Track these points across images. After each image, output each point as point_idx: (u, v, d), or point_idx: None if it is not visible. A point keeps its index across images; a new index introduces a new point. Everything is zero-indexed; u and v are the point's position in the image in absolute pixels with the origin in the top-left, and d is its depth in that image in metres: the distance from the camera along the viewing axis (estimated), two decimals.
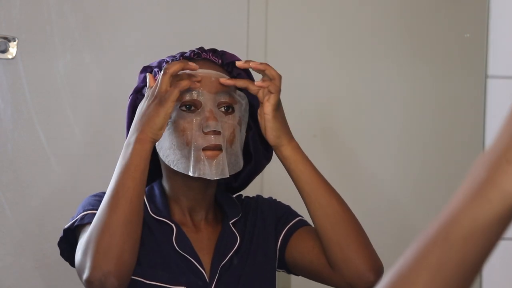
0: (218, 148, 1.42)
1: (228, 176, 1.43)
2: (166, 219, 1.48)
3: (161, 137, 1.40)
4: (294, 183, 1.48)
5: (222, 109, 1.45)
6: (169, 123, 1.44)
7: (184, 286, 1.43)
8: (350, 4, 2.19)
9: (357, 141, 2.21)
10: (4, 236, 1.99)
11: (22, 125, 1.99)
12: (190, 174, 1.41)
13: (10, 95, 1.99)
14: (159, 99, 1.39)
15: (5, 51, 1.98)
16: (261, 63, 1.46)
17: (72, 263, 1.46)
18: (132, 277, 1.41)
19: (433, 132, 2.25)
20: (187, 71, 1.43)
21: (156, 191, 1.52)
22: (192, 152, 1.41)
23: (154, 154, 1.47)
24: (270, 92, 1.44)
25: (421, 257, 0.62)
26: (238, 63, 1.47)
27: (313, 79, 2.18)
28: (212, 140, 1.41)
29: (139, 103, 1.45)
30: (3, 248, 1.99)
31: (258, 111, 1.47)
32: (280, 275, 1.61)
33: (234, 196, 1.60)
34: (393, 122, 2.23)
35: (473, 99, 2.27)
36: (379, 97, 2.22)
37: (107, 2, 2.05)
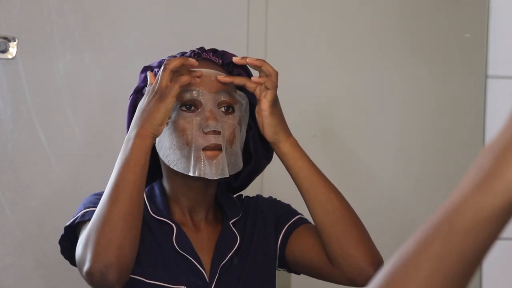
0: (218, 148, 1.42)
1: (228, 176, 1.43)
2: (166, 219, 1.48)
3: (161, 132, 1.40)
4: (293, 179, 1.48)
5: (222, 109, 1.45)
6: (169, 123, 1.44)
7: (184, 285, 1.43)
8: (350, 4, 2.19)
9: (357, 141, 2.21)
10: (4, 236, 1.99)
11: (22, 125, 1.99)
12: (190, 174, 1.41)
13: (10, 95, 1.99)
14: (159, 95, 1.39)
15: (5, 51, 1.98)
16: (257, 59, 1.46)
17: (72, 261, 1.46)
18: (133, 276, 1.41)
19: (433, 132, 2.25)
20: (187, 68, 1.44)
21: (157, 191, 1.52)
22: (192, 152, 1.41)
23: (154, 154, 1.47)
24: (267, 88, 1.45)
25: (423, 246, 0.62)
26: (234, 59, 1.48)
27: (313, 79, 2.18)
28: (212, 140, 1.41)
29: (139, 103, 1.46)
30: (3, 248, 1.99)
31: (256, 108, 1.47)
32: (280, 274, 1.61)
33: (234, 196, 1.60)
34: (393, 122, 2.23)
35: (473, 99, 2.27)
36: (379, 97, 2.22)
37: (107, 2, 2.05)
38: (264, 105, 1.45)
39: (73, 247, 1.42)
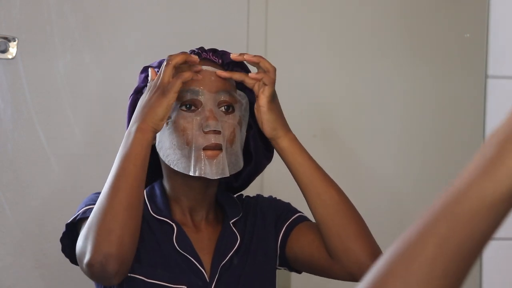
0: (218, 147, 1.42)
1: (228, 175, 1.44)
2: (166, 219, 1.48)
3: (162, 127, 1.41)
4: (292, 175, 1.49)
5: (223, 108, 1.46)
6: (169, 122, 1.44)
7: (185, 285, 1.43)
8: (350, 4, 2.19)
9: (357, 141, 2.21)
10: (4, 236, 1.99)
11: (22, 125, 1.99)
12: (191, 173, 1.42)
13: (10, 95, 1.99)
14: (161, 90, 1.40)
15: (5, 51, 1.98)
16: (254, 56, 1.46)
17: (72, 260, 1.46)
18: (133, 275, 1.41)
19: (433, 132, 2.26)
20: (189, 66, 1.44)
21: (157, 191, 1.52)
22: (193, 152, 1.42)
23: (155, 154, 1.47)
24: (265, 84, 1.45)
25: (426, 230, 0.62)
26: (232, 55, 1.48)
27: (313, 79, 2.18)
28: (213, 139, 1.42)
29: (140, 98, 1.46)
30: (3, 248, 1.99)
31: (255, 105, 1.47)
32: (280, 274, 1.61)
33: (235, 195, 1.60)
34: (393, 122, 2.23)
35: (473, 99, 2.27)
36: (379, 97, 2.22)
37: (107, 2, 2.05)
38: (262, 101, 1.46)
39: (73, 245, 1.41)
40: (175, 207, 1.51)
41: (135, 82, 1.53)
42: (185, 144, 1.43)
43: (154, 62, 1.52)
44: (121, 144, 1.40)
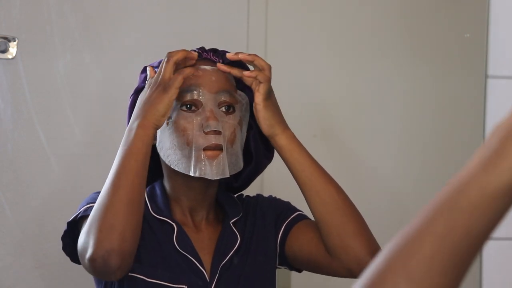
0: (218, 148, 1.42)
1: (229, 176, 1.44)
2: (167, 219, 1.48)
3: (163, 123, 1.41)
4: (290, 172, 1.49)
5: (223, 108, 1.46)
6: (169, 123, 1.44)
7: (185, 285, 1.43)
8: (350, 4, 2.19)
9: (357, 141, 2.21)
10: (4, 236, 1.99)
11: (22, 125, 1.99)
12: (191, 174, 1.42)
13: (10, 95, 1.99)
14: (163, 86, 1.40)
15: (5, 51, 1.98)
16: (249, 54, 1.47)
17: (73, 258, 1.46)
18: (134, 274, 1.41)
19: (433, 132, 2.26)
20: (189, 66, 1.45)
21: (157, 191, 1.52)
22: (193, 152, 1.42)
23: (155, 155, 1.47)
24: (260, 82, 1.45)
25: (427, 223, 0.62)
26: (228, 55, 1.48)
27: (313, 79, 2.18)
28: (213, 140, 1.42)
29: (140, 95, 1.46)
30: (3, 248, 1.99)
31: (253, 103, 1.48)
32: (280, 274, 1.61)
33: (235, 195, 1.60)
34: (393, 122, 2.23)
35: (473, 99, 2.27)
36: (379, 97, 2.22)
37: (107, 2, 2.05)
38: (258, 98, 1.46)
39: (74, 244, 1.41)
40: (176, 207, 1.51)
41: (135, 82, 1.53)
42: (185, 144, 1.43)
43: (154, 62, 1.52)
44: (122, 141, 1.39)
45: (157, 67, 1.49)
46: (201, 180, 1.45)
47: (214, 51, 1.51)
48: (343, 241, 1.44)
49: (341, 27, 2.19)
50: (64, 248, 1.48)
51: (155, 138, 1.45)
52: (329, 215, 1.45)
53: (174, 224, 1.47)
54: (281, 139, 1.48)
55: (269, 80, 1.46)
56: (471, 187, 0.61)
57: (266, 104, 1.46)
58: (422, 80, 2.24)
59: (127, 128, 1.41)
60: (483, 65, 2.27)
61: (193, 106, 1.44)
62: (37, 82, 2.00)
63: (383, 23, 2.22)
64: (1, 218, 1.98)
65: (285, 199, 1.60)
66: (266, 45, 2.12)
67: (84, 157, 2.02)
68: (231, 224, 1.52)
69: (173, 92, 1.39)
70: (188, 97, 1.44)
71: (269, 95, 1.47)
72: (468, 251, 0.62)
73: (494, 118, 2.26)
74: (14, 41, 1.99)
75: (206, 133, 1.42)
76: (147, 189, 1.52)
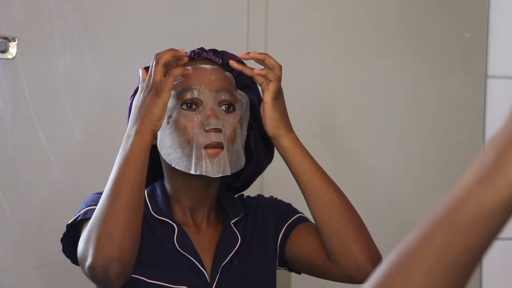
0: (219, 146, 1.42)
1: (230, 173, 1.43)
2: (167, 219, 1.48)
3: (160, 127, 1.41)
4: (292, 174, 1.49)
5: (223, 107, 1.46)
6: (170, 121, 1.44)
7: (185, 285, 1.43)
8: (350, 4, 2.20)
9: (357, 141, 2.21)
10: (4, 236, 1.99)
11: (22, 125, 1.99)
12: (192, 172, 1.42)
13: (10, 95, 1.99)
14: (155, 90, 1.40)
15: (5, 51, 1.98)
16: (260, 53, 1.47)
17: (73, 260, 1.46)
18: (134, 275, 1.41)
19: (433, 132, 2.26)
20: (181, 67, 1.44)
21: (158, 191, 1.52)
22: (194, 150, 1.42)
23: (156, 155, 1.47)
24: (270, 81, 1.45)
25: (425, 239, 0.62)
26: (240, 54, 1.48)
27: (313, 79, 2.18)
28: (214, 138, 1.42)
29: (134, 100, 1.46)
30: (3, 248, 1.98)
31: (262, 102, 1.47)
32: (280, 274, 1.61)
33: (235, 196, 1.60)
34: (393, 122, 2.23)
35: (473, 99, 2.27)
36: (379, 97, 2.22)
37: (107, 2, 2.05)
38: (267, 97, 1.45)
39: (74, 246, 1.42)
40: (176, 207, 1.51)
41: (135, 82, 1.53)
42: (186, 142, 1.43)
43: None
44: (121, 147, 1.40)
45: None
46: (201, 179, 1.45)
47: (214, 51, 1.51)
48: (342, 245, 1.44)
49: (341, 27, 2.19)
50: (64, 250, 1.48)
51: (155, 137, 1.45)
52: (329, 218, 1.45)
53: (174, 225, 1.47)
54: (284, 141, 1.47)
55: (279, 79, 1.46)
56: (469, 203, 0.61)
57: (275, 104, 1.46)
58: (422, 80, 2.24)
59: (125, 135, 1.41)
60: (483, 65, 2.27)
61: (193, 104, 1.44)
62: (37, 82, 2.00)
63: (383, 23, 2.22)
64: (1, 218, 1.98)
65: (285, 200, 1.60)
66: (266, 45, 2.12)
67: (84, 157, 2.02)
68: (232, 225, 1.51)
69: (165, 95, 1.39)
70: (188, 95, 1.44)
71: (278, 95, 1.47)
72: (467, 266, 0.62)
73: (494, 118, 2.26)
74: (14, 41, 1.99)
75: (206, 131, 1.42)
76: (148, 189, 1.52)
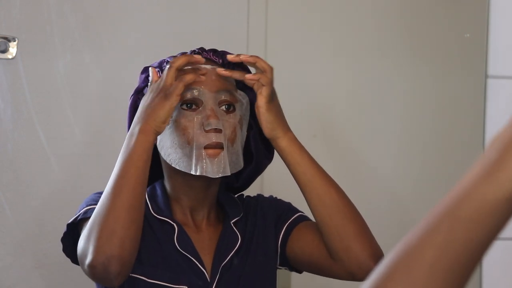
0: (219, 146, 1.42)
1: (230, 174, 1.43)
2: (167, 219, 1.48)
3: (163, 130, 1.41)
4: (292, 174, 1.49)
5: (223, 107, 1.46)
6: (170, 121, 1.44)
7: (185, 285, 1.43)
8: (350, 4, 2.19)
9: (358, 141, 2.21)
10: (4, 236, 1.98)
11: (22, 125, 1.99)
12: (192, 172, 1.42)
13: (10, 95, 1.98)
14: (164, 93, 1.40)
15: (5, 51, 1.98)
16: (251, 56, 1.46)
17: (73, 259, 1.46)
18: (134, 275, 1.41)
19: (433, 132, 2.26)
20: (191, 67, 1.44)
21: (158, 190, 1.52)
22: (194, 151, 1.42)
23: (156, 155, 1.47)
24: (262, 85, 1.45)
25: (427, 235, 0.62)
26: (229, 57, 1.48)
27: (313, 79, 2.18)
28: (214, 138, 1.42)
29: (142, 100, 1.46)
30: (3, 248, 1.98)
31: (255, 105, 1.47)
32: (280, 274, 1.61)
33: (235, 195, 1.60)
34: (393, 122, 2.23)
35: (473, 99, 2.27)
36: (379, 97, 2.22)
37: (107, 2, 2.05)
38: (261, 101, 1.45)
39: (75, 245, 1.42)
40: (176, 207, 1.51)
41: (135, 82, 1.53)
42: (186, 143, 1.43)
43: (155, 62, 1.52)
44: (123, 146, 1.40)
45: (157, 67, 1.49)
46: (201, 179, 1.45)
47: (214, 51, 1.51)
48: (344, 243, 1.44)
49: (341, 27, 2.19)
50: (64, 250, 1.48)
51: (156, 138, 1.45)
52: (330, 217, 1.45)
53: (174, 224, 1.47)
54: (282, 142, 1.47)
55: (271, 82, 1.45)
56: (472, 199, 0.61)
57: (269, 107, 1.46)
58: (422, 80, 2.24)
59: (128, 134, 1.41)
60: (483, 65, 2.27)
61: (193, 104, 1.44)
62: (37, 82, 2.00)
63: (383, 23, 2.22)
64: (1, 218, 1.98)
65: (285, 200, 1.60)
66: (266, 45, 2.12)
67: (84, 157, 2.02)
68: (232, 224, 1.52)
69: (174, 99, 1.39)
70: (188, 95, 1.44)
71: (272, 98, 1.46)
72: (469, 261, 0.62)
73: (494, 118, 2.26)
74: (14, 41, 1.99)
75: (206, 131, 1.42)
76: (148, 189, 1.52)
